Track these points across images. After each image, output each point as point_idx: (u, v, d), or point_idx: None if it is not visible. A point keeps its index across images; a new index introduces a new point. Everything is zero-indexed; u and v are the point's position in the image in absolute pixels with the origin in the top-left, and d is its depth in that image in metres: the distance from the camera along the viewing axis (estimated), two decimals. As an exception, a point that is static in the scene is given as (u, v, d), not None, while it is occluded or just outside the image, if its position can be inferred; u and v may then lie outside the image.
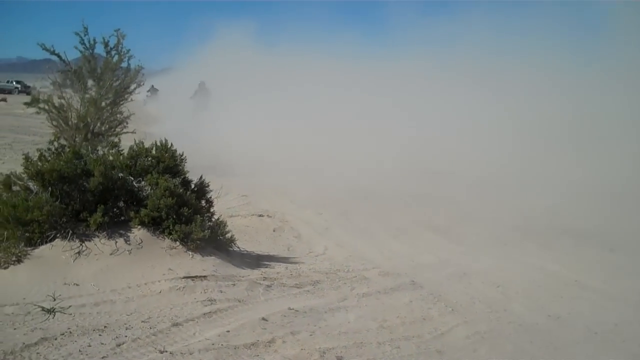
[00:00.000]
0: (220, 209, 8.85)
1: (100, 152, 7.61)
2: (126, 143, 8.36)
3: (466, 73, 30.43)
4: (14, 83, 64.05)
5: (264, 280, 7.03)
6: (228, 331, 5.40)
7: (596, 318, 6.23)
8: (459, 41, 41.65)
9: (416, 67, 33.87)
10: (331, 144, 20.85)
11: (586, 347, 5.47)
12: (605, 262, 8.50)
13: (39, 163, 7.01)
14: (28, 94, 57.78)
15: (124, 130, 12.97)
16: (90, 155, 7.34)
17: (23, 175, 7.39)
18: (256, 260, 8.20)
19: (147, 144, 7.95)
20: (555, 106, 23.42)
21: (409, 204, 13.11)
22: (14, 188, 7.28)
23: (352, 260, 8.54)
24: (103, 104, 12.79)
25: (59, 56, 12.76)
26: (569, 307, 6.57)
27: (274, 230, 10.62)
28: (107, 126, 12.98)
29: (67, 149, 7.40)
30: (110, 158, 7.50)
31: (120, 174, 7.25)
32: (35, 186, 7.03)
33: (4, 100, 41.70)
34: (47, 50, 12.54)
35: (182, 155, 8.08)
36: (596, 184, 15.28)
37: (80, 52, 12.50)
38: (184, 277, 6.53)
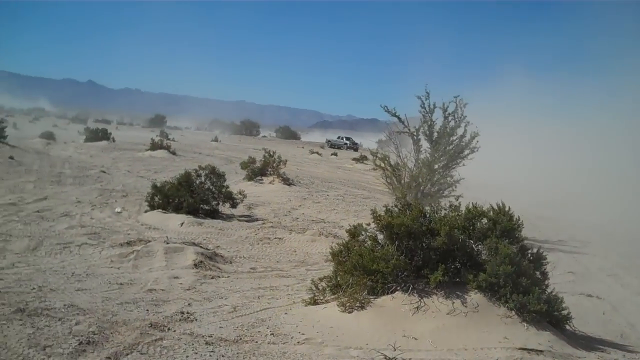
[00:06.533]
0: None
1: (442, 213, 7.86)
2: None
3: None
4: (344, 139, 70.81)
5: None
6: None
7: None
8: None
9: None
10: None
11: None
12: None
13: (387, 217, 7.51)
14: (355, 150, 63.38)
15: (452, 194, 13.31)
16: (435, 214, 7.64)
17: (367, 227, 8.03)
18: (589, 343, 7.60)
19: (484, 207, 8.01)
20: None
21: None
22: (359, 238, 7.93)
23: None
24: (436, 166, 13.37)
25: (399, 118, 13.78)
26: None
27: (603, 314, 9.75)
28: (437, 188, 13.50)
29: (412, 207, 7.79)
30: (451, 219, 7.69)
31: (461, 236, 7.40)
32: (382, 239, 7.54)
33: (317, 153, 44.75)
34: (388, 112, 13.63)
35: (519, 220, 7.94)
36: None
37: (423, 115, 13.33)
38: (520, 349, 6.32)
